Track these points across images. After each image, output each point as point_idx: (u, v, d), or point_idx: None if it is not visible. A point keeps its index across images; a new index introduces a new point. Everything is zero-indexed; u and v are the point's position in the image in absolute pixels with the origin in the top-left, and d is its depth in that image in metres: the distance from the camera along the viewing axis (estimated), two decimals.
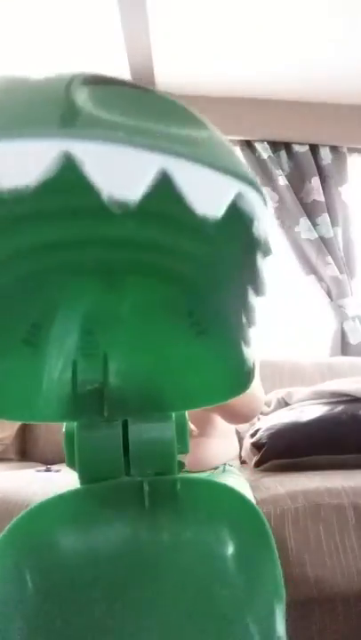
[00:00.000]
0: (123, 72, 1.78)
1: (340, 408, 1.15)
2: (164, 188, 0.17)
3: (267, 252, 0.22)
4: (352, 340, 1.85)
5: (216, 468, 0.91)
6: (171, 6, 1.48)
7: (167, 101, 0.22)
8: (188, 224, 0.22)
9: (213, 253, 0.28)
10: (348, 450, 1.07)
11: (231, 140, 1.97)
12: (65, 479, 0.99)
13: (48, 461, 1.38)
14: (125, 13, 1.47)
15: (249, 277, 0.25)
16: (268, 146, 1.95)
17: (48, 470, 1.18)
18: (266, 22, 1.54)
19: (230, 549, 0.33)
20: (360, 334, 1.86)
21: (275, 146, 1.96)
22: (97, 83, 0.20)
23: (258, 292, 0.25)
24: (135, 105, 0.20)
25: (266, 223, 0.20)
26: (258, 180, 0.20)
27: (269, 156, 1.94)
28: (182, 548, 0.34)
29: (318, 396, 1.26)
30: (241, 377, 0.35)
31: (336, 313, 1.88)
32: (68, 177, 0.16)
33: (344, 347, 1.86)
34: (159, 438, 0.35)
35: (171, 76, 1.84)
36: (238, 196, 0.18)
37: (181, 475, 0.36)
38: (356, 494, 0.87)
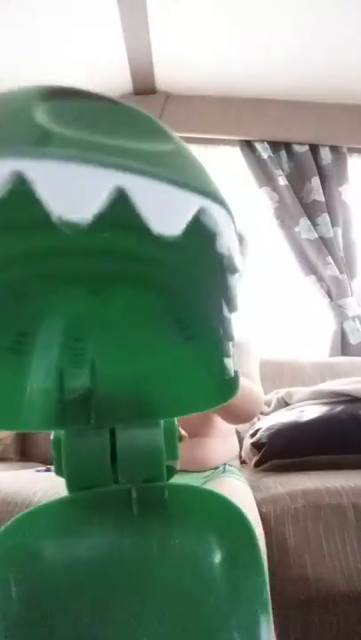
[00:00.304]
0: (123, 72, 1.78)
1: (340, 408, 1.15)
2: (122, 204, 0.16)
3: (231, 270, 0.21)
4: (352, 340, 1.85)
5: (216, 468, 0.91)
6: (171, 6, 1.48)
7: (131, 114, 0.21)
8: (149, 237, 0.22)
9: (187, 264, 0.28)
10: (349, 450, 1.07)
11: (231, 140, 1.97)
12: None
13: (48, 461, 1.38)
14: (125, 13, 1.47)
15: (221, 292, 0.25)
16: (268, 146, 1.95)
17: (48, 470, 1.18)
18: (266, 22, 1.54)
19: (217, 557, 0.33)
20: (360, 334, 1.86)
21: (275, 146, 1.96)
22: (58, 96, 0.20)
23: (230, 307, 0.25)
24: (95, 119, 0.20)
25: (231, 239, 0.20)
26: (223, 194, 0.19)
27: (269, 156, 1.94)
28: (169, 556, 0.33)
29: (318, 395, 1.26)
30: (225, 385, 0.34)
31: (336, 313, 1.88)
32: (22, 194, 0.15)
33: (344, 347, 1.86)
34: (147, 445, 0.35)
35: (171, 76, 1.84)
36: (200, 211, 0.18)
37: (171, 482, 0.36)
38: (356, 494, 0.87)
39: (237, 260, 0.21)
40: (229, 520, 0.34)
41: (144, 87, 1.88)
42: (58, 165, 0.16)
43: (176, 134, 0.22)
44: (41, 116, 0.18)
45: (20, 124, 0.17)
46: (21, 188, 0.15)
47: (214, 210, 0.18)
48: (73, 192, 0.16)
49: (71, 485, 0.35)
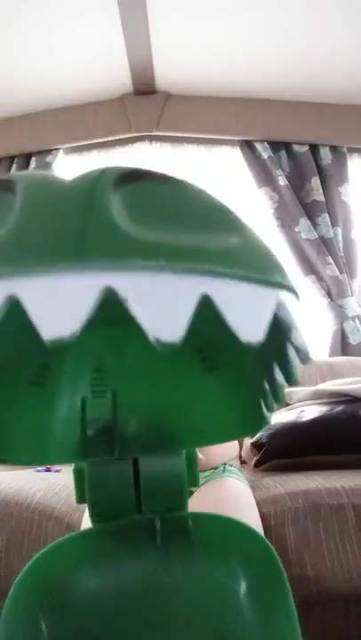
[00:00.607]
0: (123, 72, 1.78)
1: (340, 408, 1.15)
2: (205, 308, 0.16)
3: (304, 360, 0.21)
4: (352, 340, 1.85)
5: (216, 468, 0.91)
6: (171, 6, 1.48)
7: (198, 198, 0.21)
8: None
9: None
10: (349, 450, 1.07)
11: (231, 140, 1.97)
12: (65, 479, 0.99)
13: None
14: (125, 13, 1.47)
15: (276, 357, 0.24)
16: (268, 146, 1.95)
17: (48, 470, 1.18)
18: (266, 22, 1.54)
19: (242, 586, 0.33)
20: (360, 334, 1.86)
21: (275, 146, 1.96)
22: (127, 182, 0.20)
23: (287, 376, 0.25)
24: (168, 210, 0.20)
25: (301, 330, 0.20)
26: (291, 277, 0.19)
27: (269, 156, 1.94)
28: (195, 585, 0.33)
29: (318, 395, 1.26)
30: (253, 422, 0.34)
31: (336, 313, 1.88)
32: (108, 304, 0.15)
33: (344, 347, 1.86)
34: (170, 474, 0.35)
35: (171, 76, 1.84)
36: (278, 306, 0.18)
37: (193, 511, 0.36)
38: (356, 494, 0.87)
39: (310, 350, 0.21)
40: (253, 548, 0.34)
41: (144, 87, 1.88)
42: (149, 280, 0.15)
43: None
44: (119, 212, 0.18)
45: (104, 231, 0.17)
46: (109, 301, 0.15)
47: (289, 300, 0.18)
48: (166, 307, 0.16)
49: (95, 515, 0.35)
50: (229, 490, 0.83)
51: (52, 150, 1.96)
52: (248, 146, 1.97)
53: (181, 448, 0.36)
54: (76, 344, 0.33)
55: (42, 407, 0.35)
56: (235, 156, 1.98)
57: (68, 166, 1.97)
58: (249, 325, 0.17)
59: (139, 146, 1.98)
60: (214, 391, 0.35)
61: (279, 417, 1.20)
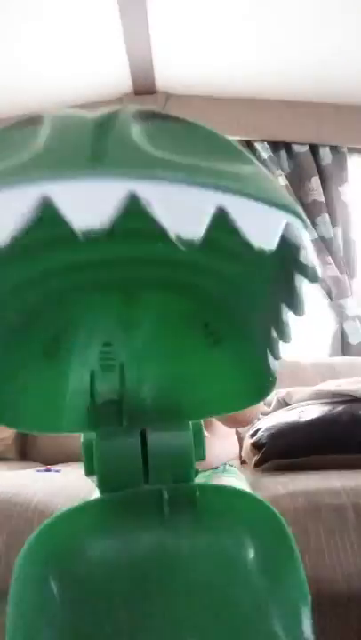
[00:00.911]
0: (123, 72, 1.78)
1: (340, 408, 1.15)
2: (219, 222, 0.18)
3: (314, 279, 0.23)
4: (352, 340, 1.85)
5: (216, 468, 0.91)
6: (171, 6, 1.48)
7: (212, 136, 0.23)
8: (234, 251, 0.23)
9: (244, 273, 0.29)
10: (349, 450, 1.07)
11: None
12: (65, 479, 0.99)
13: (48, 461, 1.38)
14: (125, 13, 1.47)
15: (285, 296, 0.26)
16: (268, 146, 1.95)
17: (48, 470, 1.18)
18: (266, 22, 1.54)
19: (251, 553, 0.34)
20: (360, 334, 1.86)
21: (275, 146, 1.96)
22: (146, 118, 0.22)
23: (296, 311, 0.26)
24: (185, 141, 0.22)
25: (310, 250, 0.21)
26: (300, 209, 0.21)
27: (269, 156, 1.94)
28: (203, 554, 0.34)
29: (318, 396, 1.26)
30: (261, 387, 0.35)
31: (336, 313, 1.88)
32: (132, 212, 0.17)
33: (344, 347, 1.86)
34: (177, 446, 0.36)
35: (171, 76, 1.84)
36: (287, 226, 0.19)
37: (200, 482, 0.37)
38: (356, 494, 0.87)
39: (318, 269, 0.22)
40: (260, 516, 0.35)
41: (144, 87, 1.88)
42: (170, 187, 0.17)
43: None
44: (140, 137, 0.20)
45: (122, 145, 0.19)
46: (132, 208, 0.17)
47: (297, 224, 0.20)
48: (184, 212, 0.17)
49: (103, 486, 0.35)
50: None
51: None
52: (248, 146, 1.96)
53: (189, 419, 0.37)
54: (85, 318, 0.35)
55: (53, 377, 0.36)
56: None
57: None
58: (261, 235, 0.18)
59: None
60: (221, 363, 0.36)
61: (279, 417, 1.20)
